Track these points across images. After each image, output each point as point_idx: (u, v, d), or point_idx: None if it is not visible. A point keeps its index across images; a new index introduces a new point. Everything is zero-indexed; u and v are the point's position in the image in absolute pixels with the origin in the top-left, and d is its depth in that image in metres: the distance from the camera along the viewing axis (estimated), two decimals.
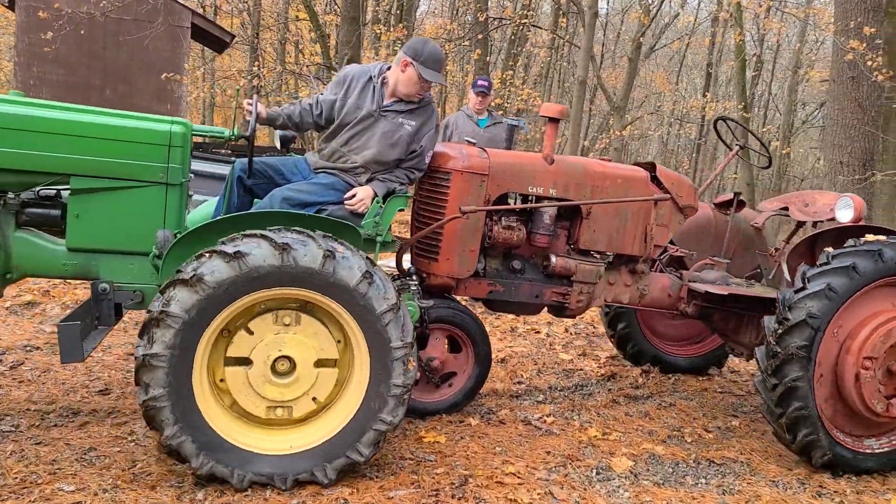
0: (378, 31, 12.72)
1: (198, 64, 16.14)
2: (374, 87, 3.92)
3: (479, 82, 6.70)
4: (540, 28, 17.74)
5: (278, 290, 3.13)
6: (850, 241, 4.09)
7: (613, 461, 3.95)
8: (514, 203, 4.41)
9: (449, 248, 4.08)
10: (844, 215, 4.70)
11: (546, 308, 4.56)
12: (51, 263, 3.48)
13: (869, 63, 10.70)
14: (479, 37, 13.16)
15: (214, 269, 3.01)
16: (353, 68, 4.05)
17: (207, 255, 3.06)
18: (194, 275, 2.99)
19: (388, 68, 3.99)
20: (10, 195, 3.40)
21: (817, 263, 4.07)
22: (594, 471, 3.83)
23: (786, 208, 5.20)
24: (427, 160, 4.05)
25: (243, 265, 3.03)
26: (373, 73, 3.96)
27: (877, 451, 4.19)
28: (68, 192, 3.43)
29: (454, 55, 17.69)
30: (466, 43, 13.95)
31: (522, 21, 14.54)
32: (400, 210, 3.88)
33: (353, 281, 3.17)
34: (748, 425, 4.78)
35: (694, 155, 24.78)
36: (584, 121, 17.65)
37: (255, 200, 3.90)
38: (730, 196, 5.20)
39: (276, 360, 3.25)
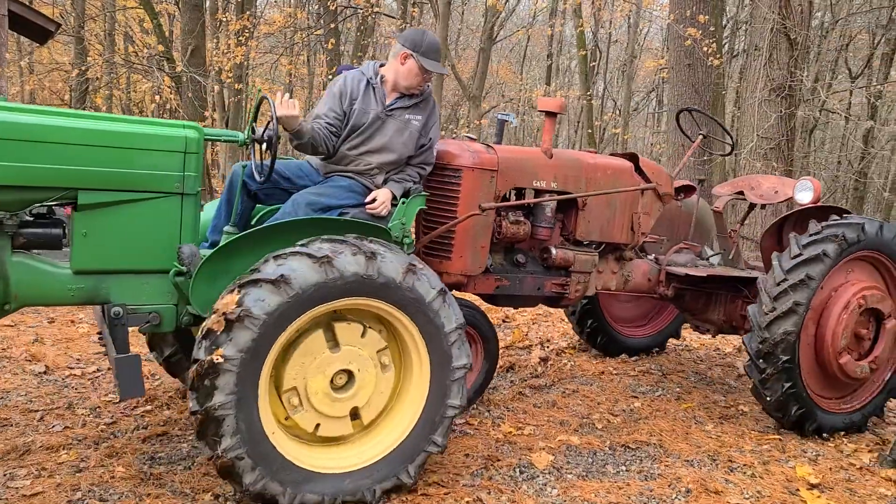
0: (223, 20, 11.95)
1: (14, 57, 14.48)
2: (373, 87, 3.81)
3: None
4: (390, 17, 17.49)
5: (357, 300, 3.02)
6: (814, 226, 4.44)
7: (534, 457, 3.83)
8: (520, 197, 4.38)
9: (462, 246, 4.00)
10: (804, 197, 5.02)
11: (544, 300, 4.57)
12: (55, 290, 3.03)
13: (704, 49, 11.37)
14: (332, 26, 12.70)
15: (300, 272, 2.86)
16: (346, 77, 3.87)
17: (290, 256, 2.91)
18: (281, 276, 2.82)
19: (381, 66, 3.89)
20: (5, 215, 2.89)
21: (789, 253, 4.35)
22: (517, 470, 3.68)
23: (741, 192, 5.52)
24: (434, 154, 3.96)
25: (330, 271, 2.90)
26: (367, 74, 3.84)
27: (856, 407, 4.67)
28: (68, 208, 3.05)
29: (302, 45, 17.09)
30: (319, 32, 13.45)
31: (374, 11, 14.21)
32: (421, 209, 3.75)
33: (430, 297, 3.12)
34: (649, 405, 4.83)
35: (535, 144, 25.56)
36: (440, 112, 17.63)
37: (258, 206, 3.77)
38: (681, 182, 5.29)
39: (335, 374, 3.12)
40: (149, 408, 4.21)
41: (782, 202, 5.44)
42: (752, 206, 5.72)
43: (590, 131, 16.42)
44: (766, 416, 4.82)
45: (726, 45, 16.62)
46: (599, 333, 5.85)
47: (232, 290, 2.86)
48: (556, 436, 4.15)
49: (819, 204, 4.92)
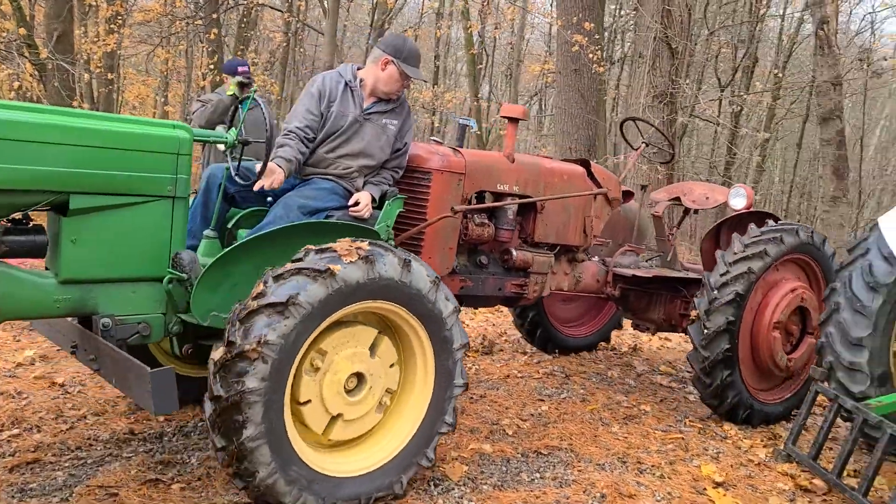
0: (93, 4, 11.11)
1: None
2: (352, 90, 3.83)
3: (241, 68, 6.05)
4: (276, 9, 16.92)
5: (369, 303, 3.04)
6: (754, 229, 4.82)
7: (447, 469, 3.69)
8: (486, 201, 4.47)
9: (432, 247, 4.04)
10: (738, 203, 5.38)
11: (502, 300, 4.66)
12: (40, 302, 2.81)
13: (591, 56, 11.68)
14: (214, 16, 12.10)
15: (346, 267, 2.89)
16: (324, 77, 3.88)
17: (334, 251, 2.93)
18: (328, 268, 2.83)
19: (359, 69, 3.92)
20: None
21: (733, 249, 4.73)
22: (431, 483, 3.53)
23: (677, 198, 5.81)
24: (407, 157, 4.04)
25: (371, 272, 2.95)
26: (346, 77, 3.85)
27: (784, 398, 5.09)
28: (52, 213, 2.87)
29: (180, 36, 16.22)
30: (199, 22, 12.78)
31: (258, 4, 13.67)
32: (400, 211, 3.81)
33: (425, 288, 3.17)
34: (556, 408, 4.82)
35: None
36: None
37: (232, 209, 3.72)
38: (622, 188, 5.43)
39: (348, 378, 3.11)
40: (15, 431, 3.72)
41: (713, 208, 5.85)
42: (686, 211, 6.02)
43: (478, 133, 16.55)
44: (666, 415, 4.93)
45: (605, 53, 17.20)
46: (540, 332, 6.08)
47: (275, 283, 2.80)
48: (468, 444, 4.04)
49: (751, 209, 5.33)
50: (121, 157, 2.89)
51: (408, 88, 3.97)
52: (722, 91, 15.74)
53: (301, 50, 20.47)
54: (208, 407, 2.77)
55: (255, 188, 3.39)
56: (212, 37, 11.86)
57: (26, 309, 2.82)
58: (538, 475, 3.77)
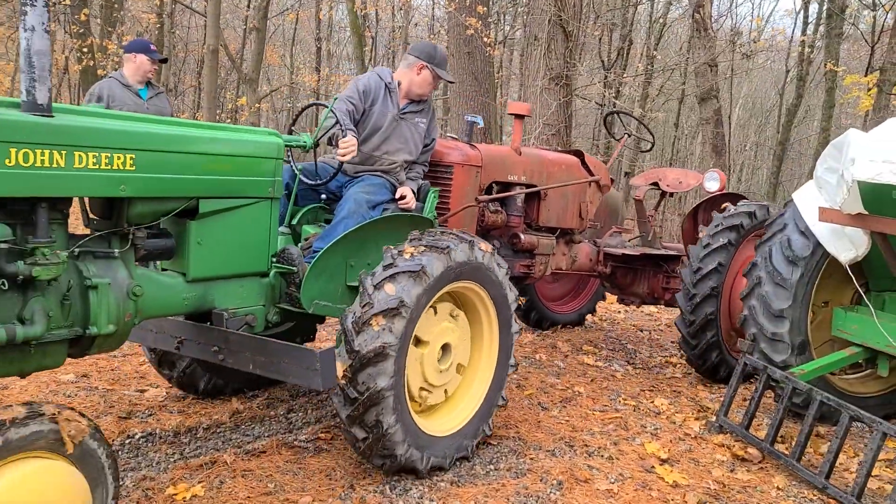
0: None
1: None
2: (390, 92, 4.20)
3: (152, 47, 5.55)
4: None
5: (451, 286, 3.48)
6: (729, 207, 5.28)
7: None
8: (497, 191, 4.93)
9: None
10: (712, 186, 5.88)
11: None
12: (173, 300, 3.07)
13: (484, 39, 11.69)
14: None
15: (459, 250, 3.43)
16: (368, 78, 4.23)
17: (451, 237, 3.48)
18: (447, 246, 3.36)
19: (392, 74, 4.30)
20: (136, 228, 2.87)
21: (713, 225, 5.19)
22: (387, 486, 3.40)
23: (655, 183, 6.30)
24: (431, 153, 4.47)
25: (449, 260, 3.38)
26: (385, 80, 4.21)
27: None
28: (178, 218, 3.04)
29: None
30: (67, 2, 11.77)
31: None
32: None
33: (487, 260, 3.62)
34: None
35: (314, 126, 24.99)
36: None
37: (292, 206, 4.01)
38: None
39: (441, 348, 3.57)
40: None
41: (686, 191, 6.49)
42: (663, 195, 6.57)
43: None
44: (599, 394, 5.00)
45: (497, 35, 17.32)
46: (532, 311, 6.69)
47: (378, 284, 3.18)
48: None
49: (724, 191, 5.85)
50: (239, 163, 3.18)
51: (436, 89, 4.37)
52: (606, 73, 16.23)
53: (175, 33, 19.36)
54: (343, 409, 3.17)
55: (339, 158, 3.70)
56: (83, 17, 10.95)
57: (163, 307, 3.05)
58: (492, 467, 3.71)
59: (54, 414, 2.27)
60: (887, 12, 14.86)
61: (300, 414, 4.23)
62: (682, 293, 5.15)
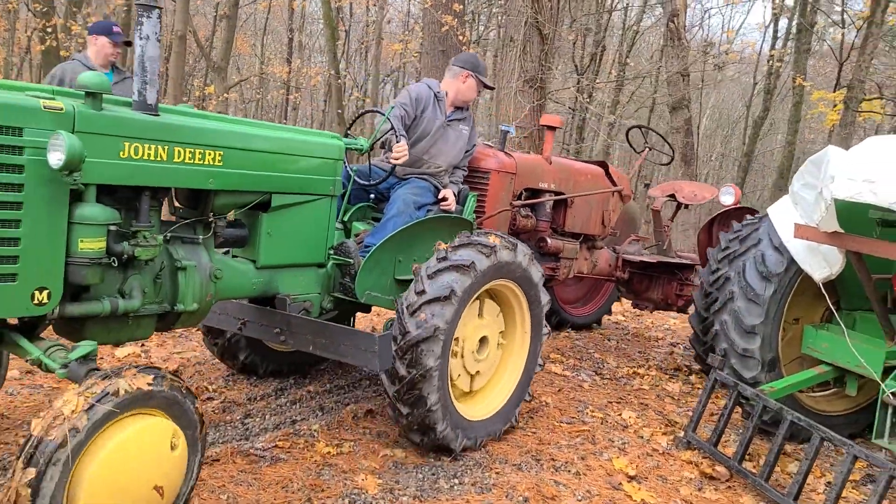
0: None
1: None
2: (439, 101, 4.53)
3: (115, 28, 5.28)
4: None
5: (492, 283, 3.79)
6: (749, 218, 5.16)
7: (360, 481, 3.42)
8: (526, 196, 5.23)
9: None
10: (727, 199, 6.09)
11: None
12: (245, 284, 3.41)
13: (460, 38, 11.56)
14: None
15: (503, 251, 3.73)
16: (419, 87, 4.53)
17: (495, 239, 3.75)
18: (493, 246, 3.67)
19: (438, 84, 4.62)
20: (218, 217, 3.25)
21: (734, 231, 5.04)
22: (347, 500, 3.25)
23: (672, 195, 6.58)
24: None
25: (495, 258, 3.69)
26: (434, 90, 4.54)
27: None
28: (251, 210, 3.38)
29: None
30: None
31: None
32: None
33: (525, 262, 3.90)
34: None
35: (284, 119, 24.61)
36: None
37: (345, 204, 4.26)
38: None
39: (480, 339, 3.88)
40: None
41: (702, 203, 6.68)
42: (679, 206, 6.79)
43: (339, 111, 16.05)
44: (567, 405, 4.90)
45: (472, 35, 17.20)
46: (552, 314, 6.68)
47: (431, 275, 3.51)
48: (379, 451, 3.78)
49: (739, 206, 5.98)
50: (308, 163, 3.51)
51: (479, 95, 4.78)
52: (580, 77, 16.20)
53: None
54: (391, 386, 3.47)
55: (392, 161, 4.00)
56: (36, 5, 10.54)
57: (236, 290, 3.38)
58: (457, 481, 3.57)
59: (118, 390, 2.43)
60: (857, 30, 15.08)
61: (257, 419, 4.05)
62: (698, 292, 5.15)
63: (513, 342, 4.12)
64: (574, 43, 16.42)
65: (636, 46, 23.73)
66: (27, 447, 2.26)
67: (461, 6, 11.64)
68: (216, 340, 4.36)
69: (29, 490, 2.20)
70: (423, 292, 3.47)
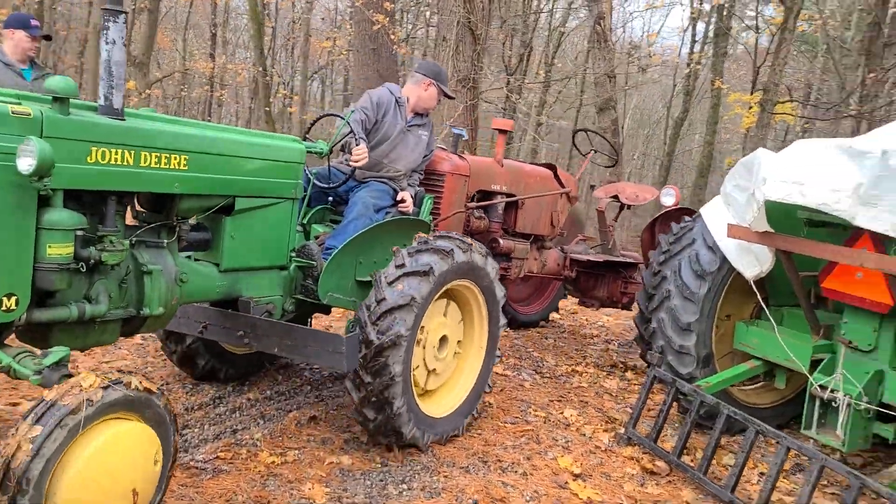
0: None
1: None
2: (400, 106, 4.56)
3: (33, 21, 5.00)
4: None
5: (457, 281, 3.93)
6: (686, 219, 5.26)
7: (307, 490, 3.35)
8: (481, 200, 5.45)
9: None
10: (668, 201, 6.19)
11: None
12: (208, 287, 3.42)
13: (391, 36, 11.49)
14: None
15: (459, 252, 3.84)
16: (382, 93, 4.55)
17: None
18: (450, 249, 3.75)
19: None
20: (182, 221, 3.26)
21: (672, 233, 5.07)
22: None
23: (615, 196, 6.73)
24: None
25: (452, 261, 3.81)
26: (396, 95, 4.58)
27: None
28: (215, 214, 3.38)
29: None
30: None
31: None
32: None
33: (481, 262, 4.02)
34: None
35: (208, 117, 23.99)
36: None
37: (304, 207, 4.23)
38: None
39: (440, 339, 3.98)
40: None
41: (643, 203, 6.88)
42: (622, 207, 6.97)
43: (267, 109, 15.72)
44: (510, 405, 4.93)
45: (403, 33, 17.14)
46: (512, 321, 6.88)
47: (391, 282, 3.57)
48: (325, 458, 3.71)
49: (678, 206, 6.12)
50: (270, 167, 3.53)
51: (439, 104, 4.87)
52: (509, 77, 16.36)
53: (57, 9, 18.03)
54: (356, 392, 3.56)
55: (351, 164, 4.07)
56: None
57: (201, 293, 3.38)
58: (405, 486, 3.55)
59: (129, 382, 2.52)
60: (772, 36, 15.74)
61: (196, 430, 3.91)
62: (642, 293, 5.21)
63: (471, 342, 4.25)
64: (503, 43, 16.57)
65: (561, 48, 24.16)
66: (38, 407, 2.34)
67: (392, 4, 11.57)
68: (175, 347, 4.29)
69: (30, 445, 2.25)
70: (383, 300, 3.51)
